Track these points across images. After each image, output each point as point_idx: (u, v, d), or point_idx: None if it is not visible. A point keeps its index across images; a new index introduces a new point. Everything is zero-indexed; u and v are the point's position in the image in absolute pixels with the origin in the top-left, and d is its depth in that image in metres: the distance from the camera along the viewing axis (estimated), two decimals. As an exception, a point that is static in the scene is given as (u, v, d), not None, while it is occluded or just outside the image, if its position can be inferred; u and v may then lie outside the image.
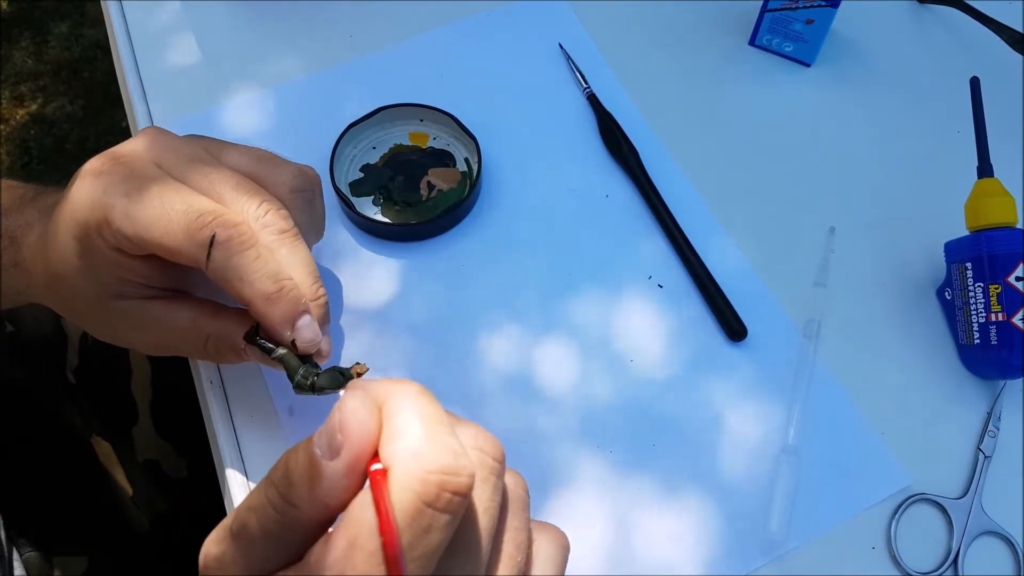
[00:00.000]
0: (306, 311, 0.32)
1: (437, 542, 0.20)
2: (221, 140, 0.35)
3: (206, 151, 0.34)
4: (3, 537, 0.47)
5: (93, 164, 0.32)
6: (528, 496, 0.25)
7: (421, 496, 0.20)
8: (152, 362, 0.60)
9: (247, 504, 0.22)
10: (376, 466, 0.21)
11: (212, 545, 0.22)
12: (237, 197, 0.32)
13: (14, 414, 0.54)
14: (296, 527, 0.21)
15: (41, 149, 1.47)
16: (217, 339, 0.34)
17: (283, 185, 0.34)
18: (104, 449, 0.57)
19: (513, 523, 0.23)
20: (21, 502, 0.54)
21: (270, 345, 0.32)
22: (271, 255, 0.31)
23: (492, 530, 0.22)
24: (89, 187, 0.31)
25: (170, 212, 0.30)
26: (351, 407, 0.21)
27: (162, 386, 0.60)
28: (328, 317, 0.33)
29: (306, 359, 0.33)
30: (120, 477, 0.57)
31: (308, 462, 0.21)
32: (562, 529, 0.26)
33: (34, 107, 1.52)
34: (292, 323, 0.31)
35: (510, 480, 0.24)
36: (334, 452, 0.21)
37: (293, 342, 0.32)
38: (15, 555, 0.48)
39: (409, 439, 0.21)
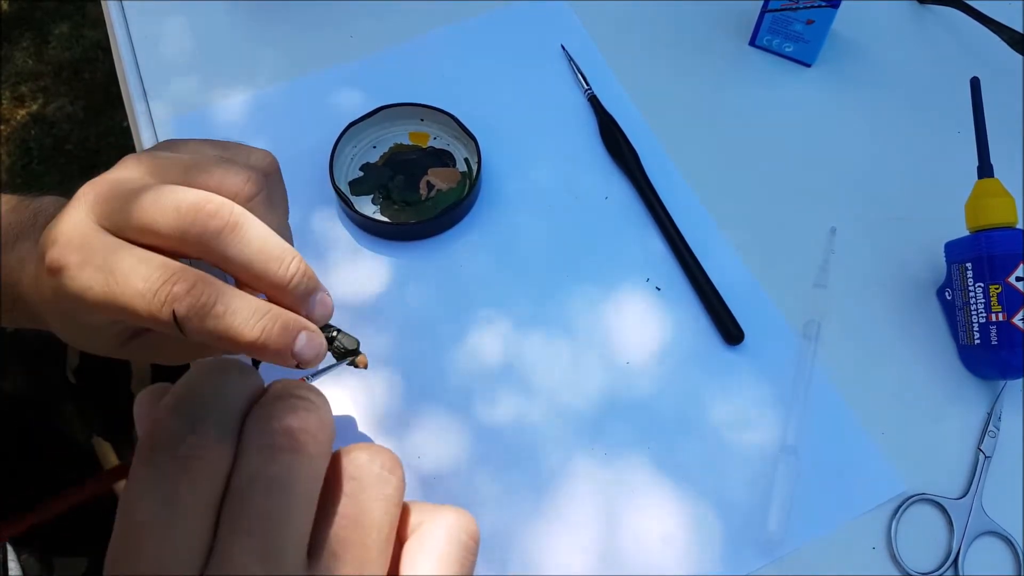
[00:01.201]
0: (297, 331, 0.30)
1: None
2: (180, 139, 0.34)
3: (166, 149, 0.32)
4: (3, 537, 0.47)
5: (50, 257, 0.30)
6: (393, 473, 0.23)
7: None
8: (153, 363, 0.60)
9: None
10: None
11: None
12: (169, 223, 0.29)
13: (15, 414, 0.54)
14: None
15: (42, 149, 1.47)
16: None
17: (233, 185, 0.32)
18: (104, 449, 0.57)
19: (359, 499, 0.22)
20: (21, 502, 0.54)
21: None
22: (239, 296, 0.29)
23: (293, 500, 0.21)
24: (63, 284, 0.30)
25: (131, 298, 0.28)
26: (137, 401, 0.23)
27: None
28: (309, 279, 0.31)
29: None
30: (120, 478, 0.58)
31: None
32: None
33: (35, 107, 1.52)
34: (288, 353, 0.30)
35: (364, 455, 0.23)
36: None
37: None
38: (11, 554, 0.48)
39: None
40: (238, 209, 0.30)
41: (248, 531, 0.20)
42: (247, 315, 0.29)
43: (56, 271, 0.29)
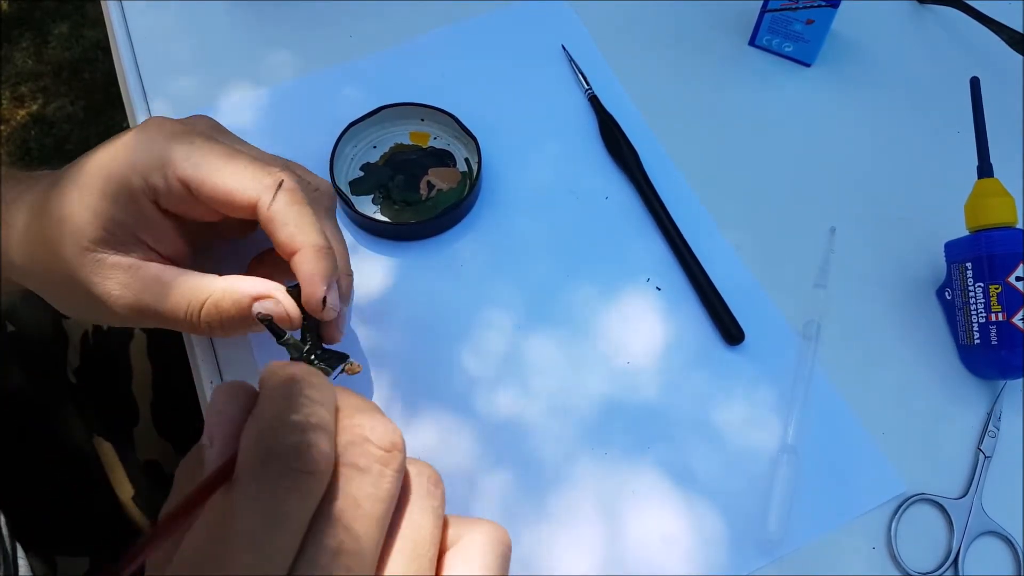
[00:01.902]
0: (342, 275, 0.34)
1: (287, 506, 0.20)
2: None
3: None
4: (6, 536, 0.47)
5: (156, 119, 0.34)
6: (437, 487, 0.24)
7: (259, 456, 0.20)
8: (153, 362, 0.60)
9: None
10: None
11: None
12: (293, 171, 0.34)
13: (15, 415, 0.54)
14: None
15: (42, 150, 1.47)
16: (221, 297, 0.33)
17: (320, 186, 0.37)
18: (105, 449, 0.57)
19: (414, 514, 0.23)
20: (23, 502, 0.54)
21: (281, 329, 0.33)
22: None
23: (378, 517, 0.21)
24: (150, 134, 0.33)
25: (237, 159, 0.32)
26: (215, 397, 0.23)
27: (163, 386, 0.60)
28: (351, 296, 0.35)
29: (308, 342, 0.33)
30: (121, 477, 0.58)
31: (195, 452, 0.23)
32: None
33: (34, 108, 1.52)
34: (328, 282, 0.32)
35: (413, 470, 0.24)
36: (210, 440, 0.22)
37: (304, 324, 0.33)
38: (20, 553, 0.48)
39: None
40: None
41: (336, 550, 0.20)
42: (321, 228, 0.33)
43: (168, 127, 0.33)
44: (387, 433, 0.22)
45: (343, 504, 0.21)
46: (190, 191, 0.32)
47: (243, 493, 0.20)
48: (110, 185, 0.32)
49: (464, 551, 0.23)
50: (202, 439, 0.22)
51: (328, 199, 0.37)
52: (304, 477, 0.20)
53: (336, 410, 0.23)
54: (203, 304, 0.32)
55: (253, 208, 0.32)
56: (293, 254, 0.32)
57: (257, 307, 0.32)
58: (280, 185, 0.32)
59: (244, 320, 0.33)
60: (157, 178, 0.32)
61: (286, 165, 0.35)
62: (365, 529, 0.21)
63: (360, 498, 0.21)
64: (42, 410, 0.55)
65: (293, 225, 0.32)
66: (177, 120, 0.34)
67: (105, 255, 0.32)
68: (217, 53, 0.51)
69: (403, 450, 0.23)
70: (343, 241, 0.36)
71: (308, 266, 0.32)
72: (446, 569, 0.23)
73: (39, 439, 0.55)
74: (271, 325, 0.33)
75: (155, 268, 0.33)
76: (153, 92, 0.49)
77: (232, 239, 0.40)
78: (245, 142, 0.36)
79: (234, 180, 0.32)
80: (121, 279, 0.33)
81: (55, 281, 0.34)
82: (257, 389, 0.23)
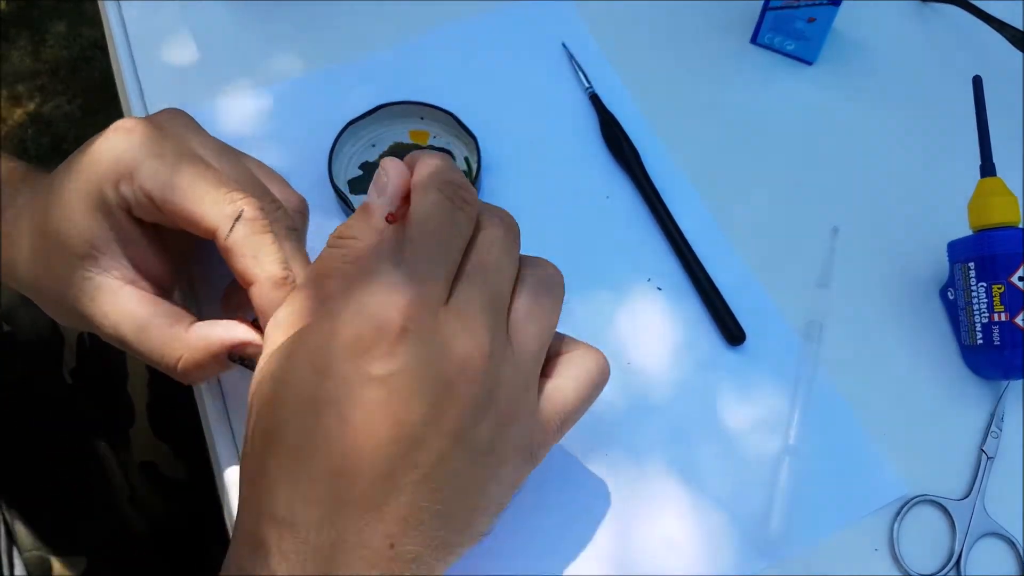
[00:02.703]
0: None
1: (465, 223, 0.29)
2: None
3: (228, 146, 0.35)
4: (2, 536, 0.47)
5: (125, 122, 0.33)
6: (514, 229, 0.31)
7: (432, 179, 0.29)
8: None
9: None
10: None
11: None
12: (254, 192, 0.33)
13: (11, 415, 0.53)
14: (364, 254, 0.28)
15: (39, 148, 1.47)
16: (195, 352, 0.32)
17: (289, 202, 0.36)
18: (102, 450, 0.57)
19: (488, 235, 0.30)
20: (20, 502, 0.54)
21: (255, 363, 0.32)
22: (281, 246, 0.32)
23: (512, 252, 0.30)
24: (118, 141, 0.32)
25: (200, 181, 0.31)
26: (387, 163, 0.29)
27: (159, 387, 0.60)
28: None
29: None
30: (118, 478, 0.57)
31: (363, 205, 0.29)
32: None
33: (32, 107, 1.51)
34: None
35: (491, 213, 0.31)
36: (380, 192, 0.29)
37: None
38: (15, 553, 0.48)
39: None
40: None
41: (482, 282, 0.28)
42: (283, 257, 0.32)
43: (138, 132, 0.32)
44: (506, 214, 0.31)
45: (486, 237, 0.29)
46: (156, 205, 0.31)
47: (427, 200, 0.28)
48: (87, 200, 0.31)
49: (573, 359, 0.31)
50: (369, 196, 0.29)
51: (295, 219, 0.35)
52: (467, 206, 0.29)
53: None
54: (178, 360, 0.32)
55: (214, 235, 0.31)
56: (250, 286, 0.31)
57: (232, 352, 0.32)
58: (239, 215, 0.31)
59: (221, 364, 0.33)
60: (126, 188, 0.31)
61: (252, 183, 0.34)
62: (508, 267, 0.30)
63: (496, 238, 0.29)
64: (38, 410, 0.55)
65: (249, 256, 0.31)
66: (149, 122, 0.33)
67: (92, 275, 0.32)
68: (214, 52, 0.51)
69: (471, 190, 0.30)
70: (309, 262, 0.34)
71: (262, 300, 0.31)
72: (555, 374, 0.30)
73: (35, 439, 0.54)
74: (248, 363, 0.32)
75: (133, 303, 0.32)
76: (150, 91, 0.49)
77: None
78: (216, 144, 0.34)
79: (195, 205, 0.31)
80: (107, 306, 0.32)
81: (51, 299, 0.34)
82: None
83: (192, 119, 0.35)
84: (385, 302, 0.26)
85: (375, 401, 0.25)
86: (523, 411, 0.28)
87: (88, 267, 0.32)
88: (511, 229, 0.30)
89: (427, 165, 0.29)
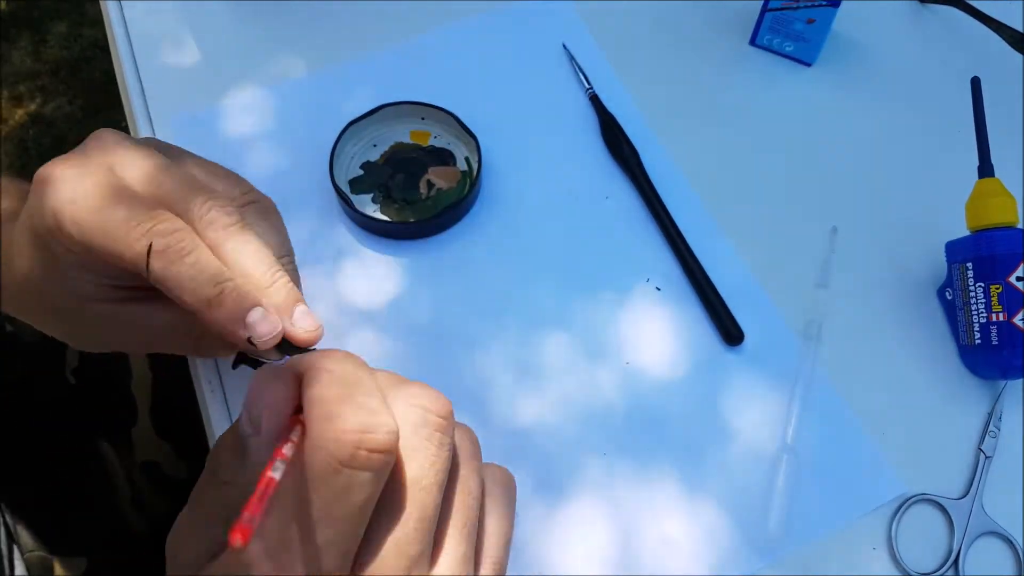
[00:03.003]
0: (255, 304, 0.30)
1: (360, 501, 0.21)
2: (179, 147, 0.35)
3: (158, 152, 0.33)
4: (2, 536, 0.47)
5: (44, 171, 0.31)
6: (477, 446, 0.26)
7: (335, 455, 0.20)
8: (152, 363, 0.60)
9: (193, 495, 0.23)
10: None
11: (172, 535, 0.24)
12: (182, 196, 0.31)
13: (13, 415, 0.53)
14: (236, 505, 0.22)
15: (40, 149, 1.47)
16: (210, 337, 0.33)
17: (232, 193, 0.34)
18: (104, 450, 0.57)
19: (464, 474, 0.25)
20: (21, 502, 0.54)
21: (262, 361, 0.32)
22: (212, 256, 0.30)
23: (441, 484, 0.23)
24: (41, 194, 0.30)
25: (111, 220, 0.29)
26: (260, 380, 0.23)
27: (162, 387, 0.60)
28: (295, 295, 0.32)
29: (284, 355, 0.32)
30: (120, 478, 0.57)
31: (233, 440, 0.23)
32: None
33: (33, 107, 1.51)
34: (241, 321, 0.30)
35: (458, 433, 0.25)
36: (255, 428, 0.22)
37: (283, 344, 0.31)
38: (16, 554, 0.48)
39: (322, 403, 0.21)
40: (243, 217, 0.31)
41: (407, 519, 0.23)
42: (212, 272, 0.30)
43: (45, 180, 0.30)
44: (442, 401, 0.24)
45: (412, 475, 0.23)
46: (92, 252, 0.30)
47: (323, 485, 0.21)
48: (49, 263, 0.31)
49: (493, 497, 0.26)
50: (241, 426, 0.23)
51: (249, 210, 0.32)
52: (377, 458, 0.21)
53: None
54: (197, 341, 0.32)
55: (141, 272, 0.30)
56: (194, 313, 0.30)
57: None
58: (149, 249, 0.29)
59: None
60: (63, 242, 0.30)
61: (177, 191, 0.31)
62: (432, 497, 0.23)
63: (426, 468, 0.23)
64: (40, 411, 0.55)
65: (176, 289, 0.29)
66: (68, 161, 0.31)
67: (85, 307, 0.32)
68: (216, 52, 0.51)
69: (453, 416, 0.24)
70: (260, 249, 0.32)
71: (207, 323, 0.30)
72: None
73: (37, 440, 0.55)
74: (254, 363, 0.33)
75: (134, 311, 0.32)
76: (152, 91, 0.49)
77: None
78: (143, 157, 0.32)
79: (113, 246, 0.29)
80: (109, 326, 0.32)
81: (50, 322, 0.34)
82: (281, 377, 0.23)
83: (118, 136, 0.33)
84: None
85: None
86: None
87: (88, 306, 0.32)
88: (477, 455, 0.26)
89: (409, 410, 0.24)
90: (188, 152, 0.35)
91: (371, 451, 0.21)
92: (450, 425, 0.24)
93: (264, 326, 0.30)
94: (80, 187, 0.30)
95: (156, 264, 0.29)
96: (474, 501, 0.25)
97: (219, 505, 0.23)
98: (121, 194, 0.30)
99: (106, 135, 0.32)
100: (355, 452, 0.21)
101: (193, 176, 0.32)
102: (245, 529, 0.18)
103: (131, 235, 0.29)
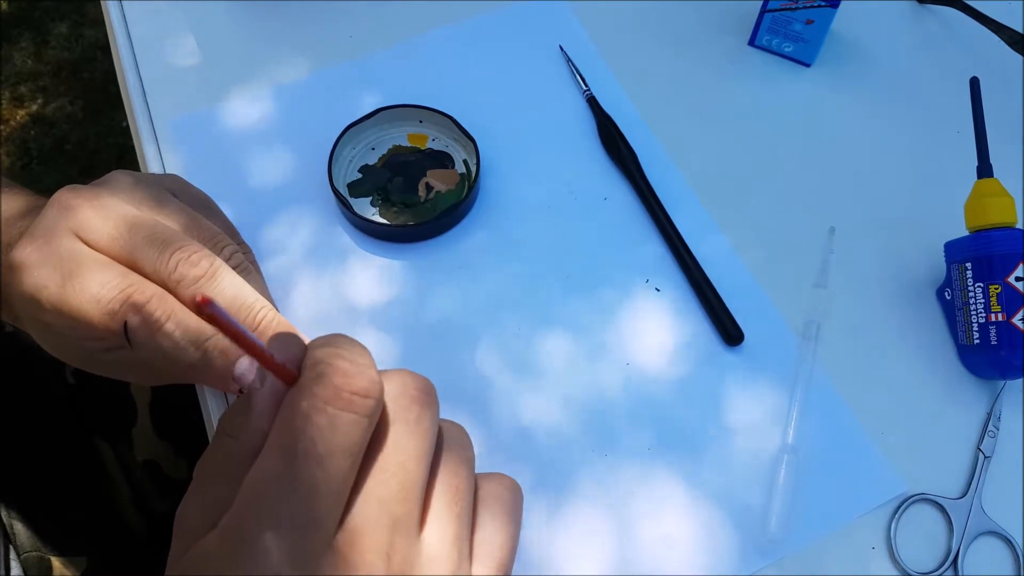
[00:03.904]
0: (239, 355, 0.30)
1: (345, 443, 0.21)
2: (190, 189, 0.36)
3: (129, 203, 0.32)
4: None
5: (17, 254, 0.31)
6: (468, 439, 0.26)
7: (320, 395, 0.21)
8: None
9: (198, 463, 0.24)
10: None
11: (179, 509, 0.24)
12: (149, 255, 0.30)
13: (13, 415, 0.54)
14: (239, 456, 0.23)
15: (41, 150, 1.47)
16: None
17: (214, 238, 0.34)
18: (103, 450, 0.57)
19: (453, 457, 0.25)
20: (21, 502, 0.54)
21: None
22: (190, 316, 0.30)
23: (424, 454, 0.23)
24: (21, 281, 0.31)
25: (84, 302, 0.29)
26: (274, 341, 0.24)
27: (161, 387, 0.60)
28: (279, 326, 0.32)
29: None
30: (119, 478, 0.57)
31: (242, 402, 0.24)
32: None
33: (34, 108, 1.52)
34: (229, 377, 0.31)
35: (448, 426, 0.26)
36: (262, 381, 0.23)
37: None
38: (12, 554, 0.48)
39: (314, 359, 0.22)
40: (218, 261, 0.31)
41: (389, 482, 0.22)
42: (193, 336, 0.30)
43: (17, 267, 0.30)
44: (421, 380, 0.24)
45: (393, 438, 0.23)
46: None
47: (308, 424, 0.21)
48: (44, 327, 0.31)
49: (491, 500, 0.26)
50: (252, 382, 0.24)
51: (203, 263, 0.31)
52: (360, 401, 0.22)
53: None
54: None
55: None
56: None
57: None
58: (126, 330, 0.29)
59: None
60: (50, 318, 0.30)
61: (150, 241, 0.30)
62: (414, 463, 0.23)
63: (407, 434, 0.23)
64: (40, 411, 0.55)
65: (161, 360, 0.29)
66: (41, 237, 0.30)
67: (102, 357, 0.32)
68: (216, 53, 0.51)
69: (437, 399, 0.25)
70: (237, 293, 0.32)
71: (203, 384, 0.30)
72: (478, 525, 0.25)
73: (37, 440, 0.55)
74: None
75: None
76: (153, 92, 0.49)
77: None
78: (120, 215, 0.31)
79: (92, 329, 0.29)
80: (128, 368, 0.32)
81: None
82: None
83: (83, 193, 0.32)
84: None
85: None
86: None
87: (103, 356, 0.32)
88: (467, 447, 0.27)
89: (393, 382, 0.24)
90: (194, 193, 0.35)
91: (354, 392, 0.22)
92: (431, 400, 0.24)
93: (251, 376, 0.30)
94: (44, 272, 0.30)
95: (136, 339, 0.29)
96: (464, 484, 0.24)
97: (222, 460, 0.24)
98: (89, 267, 0.30)
99: (69, 194, 0.31)
100: (338, 392, 0.21)
101: (162, 230, 0.31)
102: (206, 299, 0.18)
103: (104, 316, 0.29)
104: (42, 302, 0.30)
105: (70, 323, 0.30)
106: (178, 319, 0.30)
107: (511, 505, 0.26)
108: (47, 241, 0.30)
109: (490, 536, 0.25)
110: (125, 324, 0.29)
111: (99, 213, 0.31)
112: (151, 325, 0.29)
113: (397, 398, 0.24)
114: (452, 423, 0.26)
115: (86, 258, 0.30)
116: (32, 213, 0.36)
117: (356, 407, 0.22)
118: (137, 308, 0.29)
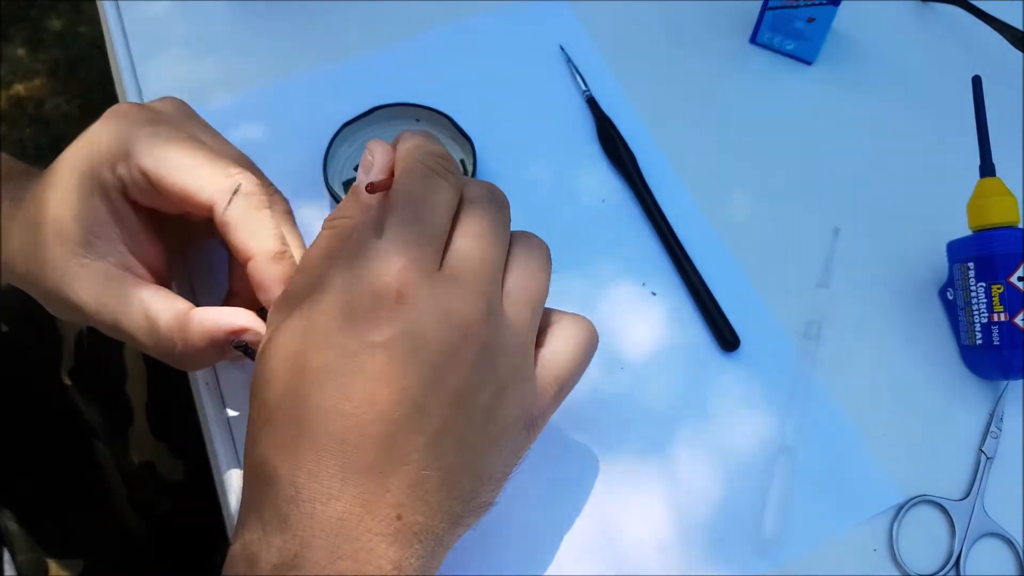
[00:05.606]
0: None
1: (439, 199, 0.28)
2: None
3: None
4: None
5: (120, 106, 0.33)
6: (501, 200, 0.31)
7: (417, 158, 0.29)
8: (147, 363, 0.60)
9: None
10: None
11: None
12: (254, 170, 0.34)
13: (8, 416, 0.53)
14: (350, 230, 0.28)
15: (37, 148, 1.46)
16: (194, 331, 0.32)
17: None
18: (100, 450, 0.57)
19: (477, 208, 0.29)
20: (16, 504, 0.54)
21: (255, 351, 0.32)
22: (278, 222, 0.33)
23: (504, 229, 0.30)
24: (114, 123, 0.32)
25: (195, 158, 0.31)
26: (373, 144, 0.30)
27: (158, 387, 0.60)
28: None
29: None
30: (115, 479, 0.57)
31: (353, 187, 0.29)
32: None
33: (30, 107, 1.51)
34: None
35: (484, 184, 0.31)
36: (367, 171, 0.29)
37: None
38: (7, 556, 0.47)
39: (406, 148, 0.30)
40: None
41: (474, 249, 0.28)
42: (279, 232, 0.33)
43: (133, 115, 0.32)
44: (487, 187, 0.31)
45: (474, 208, 0.29)
46: (152, 184, 0.31)
47: (407, 168, 0.29)
48: (84, 183, 0.31)
49: (562, 330, 0.31)
50: (357, 178, 0.29)
51: (286, 203, 0.36)
52: (448, 174, 0.29)
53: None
54: (176, 346, 0.32)
55: (211, 210, 0.31)
56: (247, 261, 0.31)
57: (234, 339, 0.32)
58: (237, 189, 0.31)
59: (220, 351, 0.32)
60: (123, 169, 0.31)
61: (250, 165, 0.35)
62: (500, 229, 0.30)
63: (485, 210, 0.29)
64: (36, 411, 0.55)
65: (248, 231, 0.31)
66: (144, 106, 0.33)
67: (88, 261, 0.32)
68: (212, 52, 0.51)
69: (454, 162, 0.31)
70: (304, 246, 0.35)
71: (261, 274, 0.31)
72: (547, 343, 0.30)
73: (33, 440, 0.54)
74: (250, 351, 0.32)
75: (128, 285, 0.32)
76: (148, 91, 0.49)
77: (210, 240, 0.39)
78: (212, 131, 0.36)
79: (192, 180, 0.31)
80: (103, 294, 0.32)
81: (47, 288, 0.33)
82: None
83: (188, 107, 0.36)
84: (378, 269, 0.26)
85: (376, 368, 0.25)
86: (521, 377, 0.28)
87: (84, 253, 0.32)
88: (499, 200, 0.30)
89: (408, 140, 0.30)
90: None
91: (438, 155, 0.29)
92: (447, 162, 0.30)
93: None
94: (161, 127, 0.32)
95: (238, 204, 0.31)
96: (487, 230, 0.29)
97: (339, 237, 0.28)
98: (202, 144, 0.33)
99: (177, 102, 0.36)
100: (424, 157, 0.29)
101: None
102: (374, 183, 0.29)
103: (217, 173, 0.31)
104: (138, 146, 0.32)
105: (159, 177, 0.31)
106: (276, 211, 0.33)
107: (540, 255, 0.31)
108: (161, 111, 0.34)
109: (520, 275, 0.30)
110: (238, 187, 0.32)
111: (208, 126, 0.36)
112: (260, 200, 0.32)
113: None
114: (484, 184, 0.31)
115: (199, 139, 0.34)
116: (29, 172, 0.36)
117: (442, 165, 0.29)
118: (252, 182, 0.32)
